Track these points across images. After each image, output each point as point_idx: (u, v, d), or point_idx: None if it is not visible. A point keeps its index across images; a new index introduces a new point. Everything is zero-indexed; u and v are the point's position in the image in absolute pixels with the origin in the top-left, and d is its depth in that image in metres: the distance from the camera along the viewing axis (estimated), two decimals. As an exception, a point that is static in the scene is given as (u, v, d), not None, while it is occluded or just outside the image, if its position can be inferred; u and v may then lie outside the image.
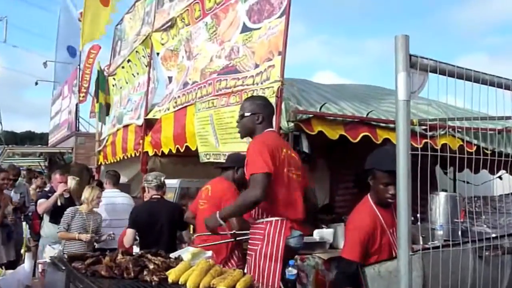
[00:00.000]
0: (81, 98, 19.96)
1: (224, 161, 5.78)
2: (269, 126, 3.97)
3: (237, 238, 4.24)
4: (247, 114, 3.93)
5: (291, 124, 5.54)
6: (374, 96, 7.77)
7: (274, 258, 3.68)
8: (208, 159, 6.81)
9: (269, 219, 3.74)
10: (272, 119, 4.20)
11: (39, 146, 28.05)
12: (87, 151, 17.42)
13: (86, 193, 6.71)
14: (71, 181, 7.78)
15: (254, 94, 5.71)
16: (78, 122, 20.71)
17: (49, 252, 6.29)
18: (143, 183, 6.12)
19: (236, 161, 5.26)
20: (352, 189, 8.46)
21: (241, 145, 5.60)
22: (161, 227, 5.67)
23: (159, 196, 5.94)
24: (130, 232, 5.68)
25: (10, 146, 22.61)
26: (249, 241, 3.89)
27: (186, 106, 7.61)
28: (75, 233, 6.45)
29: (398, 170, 2.51)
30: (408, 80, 2.53)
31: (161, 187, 5.97)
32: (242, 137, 4.13)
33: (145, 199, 6.05)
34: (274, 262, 3.67)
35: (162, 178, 6.02)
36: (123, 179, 9.09)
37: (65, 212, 6.63)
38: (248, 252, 3.89)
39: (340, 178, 9.27)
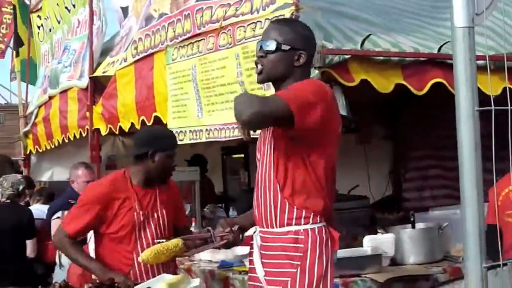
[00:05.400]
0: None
1: (206, 141, 4.50)
2: (308, 74, 2.57)
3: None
4: (285, 46, 2.42)
5: (316, 72, 3.71)
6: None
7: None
8: (182, 140, 4.72)
9: (311, 225, 2.38)
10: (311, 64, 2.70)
11: None
12: (9, 133, 12.53)
13: None
14: None
15: (255, 27, 3.97)
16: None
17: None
18: None
19: (148, 140, 3.26)
20: (431, 168, 6.10)
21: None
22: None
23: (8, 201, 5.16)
24: None
25: None
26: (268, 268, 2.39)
27: (152, 54, 5.25)
28: None
29: (459, 140, 1.63)
30: (471, -4, 1.68)
31: (16, 196, 5.18)
32: (263, 81, 2.55)
33: None
34: None
35: (21, 187, 5.20)
36: (66, 175, 5.95)
37: None
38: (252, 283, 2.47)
39: (410, 155, 6.29)
